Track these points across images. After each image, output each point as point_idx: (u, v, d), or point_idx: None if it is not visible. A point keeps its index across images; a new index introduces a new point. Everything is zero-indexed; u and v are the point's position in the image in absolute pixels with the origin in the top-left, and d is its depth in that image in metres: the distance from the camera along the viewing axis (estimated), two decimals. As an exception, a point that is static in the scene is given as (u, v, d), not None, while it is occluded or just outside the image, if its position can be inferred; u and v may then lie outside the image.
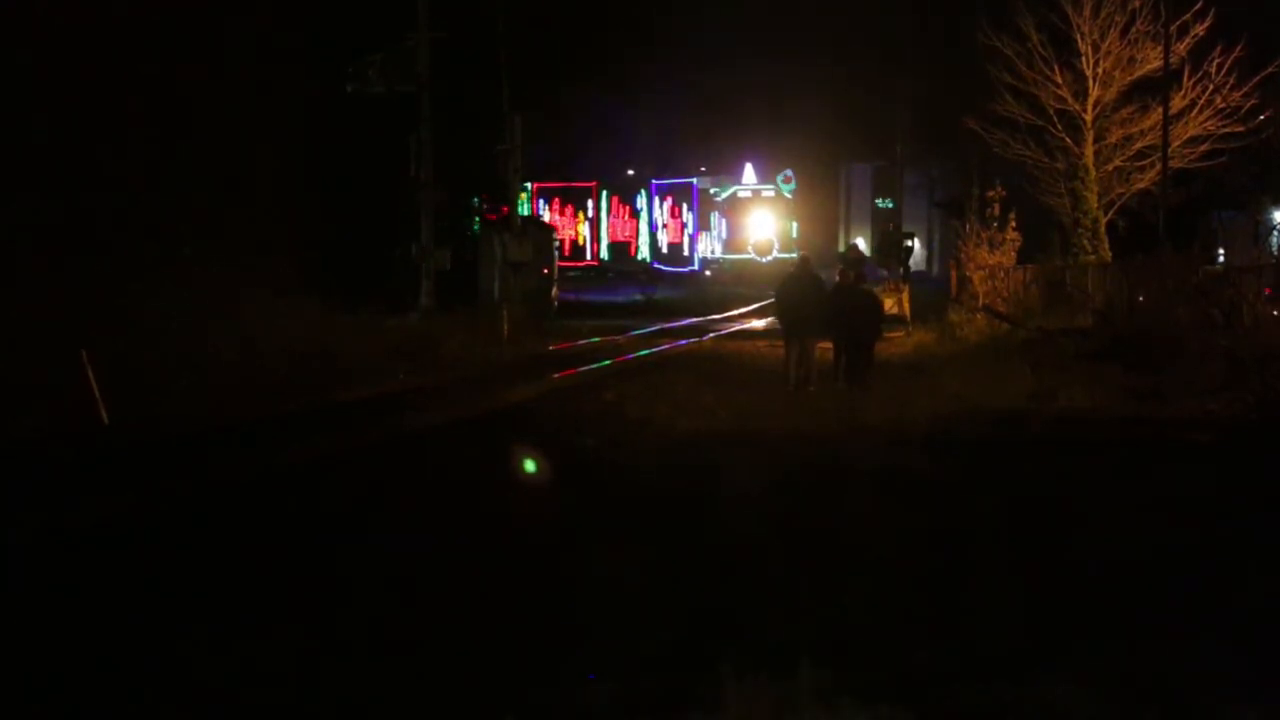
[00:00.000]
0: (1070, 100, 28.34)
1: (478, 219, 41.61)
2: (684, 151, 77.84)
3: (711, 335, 31.90)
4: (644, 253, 76.53)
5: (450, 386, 18.72)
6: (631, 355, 24.92)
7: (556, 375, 20.66)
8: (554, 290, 43.14)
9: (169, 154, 21.91)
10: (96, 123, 20.10)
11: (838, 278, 19.27)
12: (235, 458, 12.18)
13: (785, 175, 73.80)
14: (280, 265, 22.38)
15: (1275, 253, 25.29)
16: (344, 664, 5.79)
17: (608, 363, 23.03)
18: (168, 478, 11.07)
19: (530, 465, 10.74)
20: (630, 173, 77.46)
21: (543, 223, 56.88)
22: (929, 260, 72.34)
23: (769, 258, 72.47)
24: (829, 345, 18.29)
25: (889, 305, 26.27)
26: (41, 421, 13.65)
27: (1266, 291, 17.96)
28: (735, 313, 43.27)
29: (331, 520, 8.98)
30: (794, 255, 72.12)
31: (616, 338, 30.00)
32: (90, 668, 5.84)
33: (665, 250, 76.47)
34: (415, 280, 29.45)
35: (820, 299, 17.99)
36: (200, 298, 19.75)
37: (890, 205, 57.81)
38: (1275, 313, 17.61)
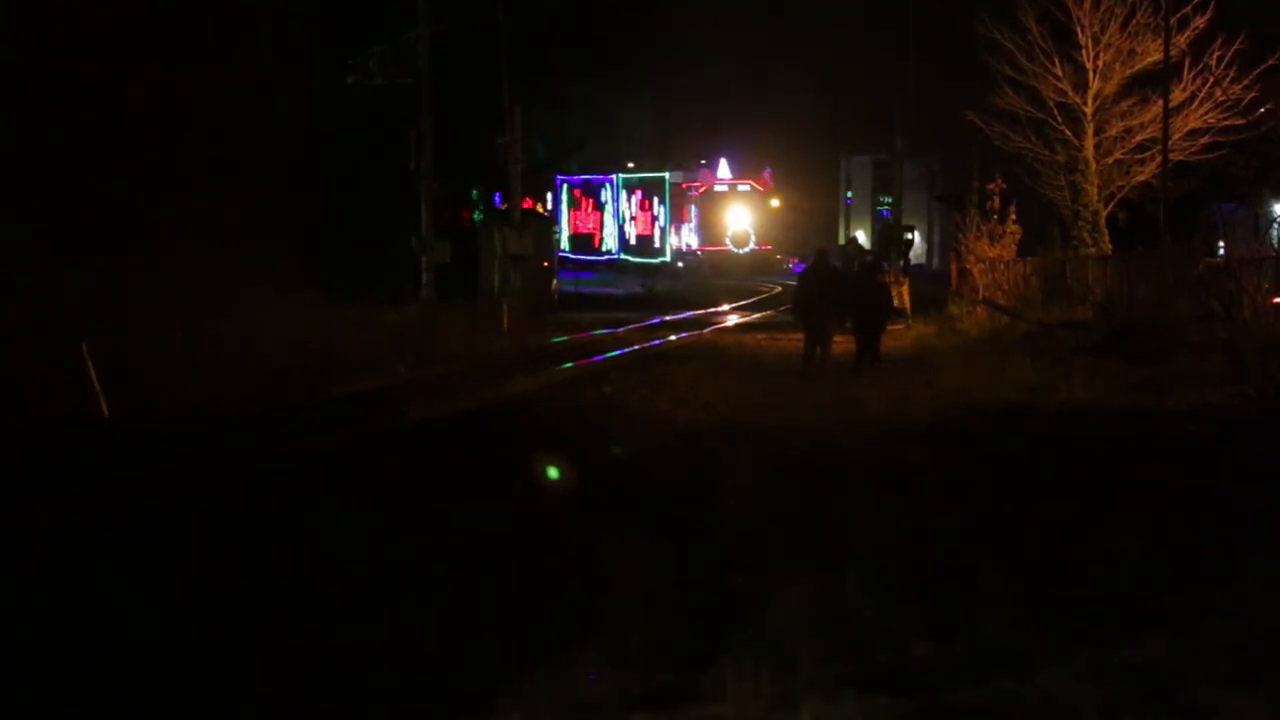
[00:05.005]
0: (1070, 93, 28.35)
1: (478, 211, 41.68)
2: (671, 145, 77.94)
3: (711, 328, 31.93)
4: (609, 244, 76.59)
5: (450, 379, 18.73)
6: (632, 348, 24.93)
7: (557, 368, 20.68)
8: (554, 283, 43.20)
9: (168, 147, 21.91)
10: (96, 117, 20.09)
11: (856, 268, 19.65)
12: (236, 450, 12.17)
13: (769, 171, 74.07)
14: (280, 258, 22.37)
15: (1276, 246, 25.30)
16: (343, 661, 5.80)
17: (608, 355, 23.05)
18: (169, 469, 11.08)
19: (530, 457, 10.74)
20: (631, 165, 77.42)
21: (543, 215, 56.87)
22: (929, 253, 72.47)
23: (746, 249, 72.81)
24: (842, 339, 18.61)
25: (889, 298, 26.41)
26: (42, 414, 13.67)
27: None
28: (734, 305, 43.28)
29: (334, 513, 8.98)
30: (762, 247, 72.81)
31: (617, 330, 30.02)
32: (101, 663, 5.85)
33: (634, 242, 76.57)
34: (415, 273, 29.46)
35: (838, 291, 18.24)
36: (200, 291, 19.75)
37: (889, 201, 58.04)
38: (1276, 300, 17.65)
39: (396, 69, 29.57)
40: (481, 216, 41.67)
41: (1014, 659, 5.57)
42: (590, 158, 73.33)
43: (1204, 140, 27.16)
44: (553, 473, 10.32)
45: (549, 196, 74.37)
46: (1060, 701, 5.16)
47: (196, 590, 6.94)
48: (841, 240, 69.07)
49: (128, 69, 20.49)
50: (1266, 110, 27.54)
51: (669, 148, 78.75)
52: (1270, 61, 26.53)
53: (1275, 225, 30.37)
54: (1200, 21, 26.54)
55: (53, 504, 9.45)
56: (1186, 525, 8.12)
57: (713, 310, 41.22)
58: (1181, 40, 26.40)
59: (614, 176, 76.92)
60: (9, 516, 9.04)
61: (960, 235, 32.66)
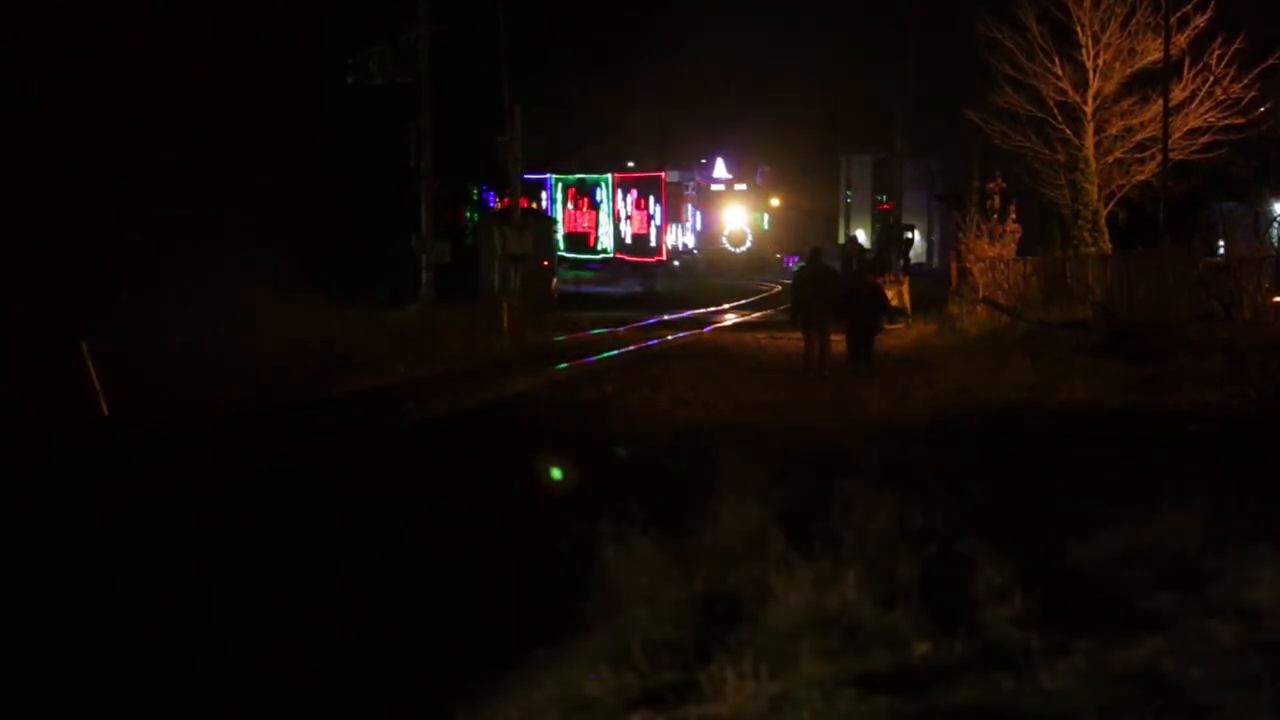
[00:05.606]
0: (1070, 92, 28.35)
1: (478, 211, 41.69)
2: (669, 145, 77.94)
3: (711, 327, 31.93)
4: (604, 244, 76.53)
5: (450, 379, 18.74)
6: (631, 347, 24.93)
7: (557, 367, 20.68)
8: (554, 282, 43.23)
9: (169, 147, 21.92)
10: (96, 117, 20.09)
11: (855, 266, 19.73)
12: (236, 450, 12.17)
13: (762, 171, 74.17)
14: (280, 258, 22.39)
15: (1276, 245, 25.30)
16: (341, 659, 5.79)
17: (608, 355, 23.05)
18: (169, 468, 11.07)
19: (531, 457, 10.75)
20: (631, 164, 77.39)
21: (543, 214, 56.86)
22: (929, 253, 72.51)
23: (743, 248, 72.96)
24: (840, 337, 18.67)
25: (889, 297, 26.45)
26: (42, 413, 13.67)
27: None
28: (732, 304, 43.30)
29: (333, 513, 8.98)
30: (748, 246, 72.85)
31: (616, 329, 30.03)
32: (100, 661, 5.85)
33: (630, 241, 76.54)
34: (415, 272, 29.47)
35: (833, 289, 18.32)
36: (200, 291, 19.76)
37: (887, 201, 58.17)
38: (1276, 300, 17.66)
39: (396, 69, 29.60)
40: (481, 216, 41.69)
41: (1014, 659, 5.57)
42: (588, 157, 73.33)
43: (1204, 139, 27.16)
44: (553, 472, 10.32)
45: (543, 195, 74.32)
46: (1060, 701, 5.15)
47: (195, 589, 6.94)
48: (841, 239, 69.04)
49: (128, 69, 20.49)
50: (1266, 109, 27.55)
51: (667, 147, 78.82)
52: (1270, 61, 26.53)
53: (1275, 224, 30.37)
54: (1200, 21, 26.55)
55: (52, 502, 9.45)
56: (1187, 525, 8.12)
57: (711, 309, 41.23)
58: (1181, 39, 26.40)
59: (609, 175, 76.91)
60: (8, 515, 9.04)
61: (960, 235, 32.67)
